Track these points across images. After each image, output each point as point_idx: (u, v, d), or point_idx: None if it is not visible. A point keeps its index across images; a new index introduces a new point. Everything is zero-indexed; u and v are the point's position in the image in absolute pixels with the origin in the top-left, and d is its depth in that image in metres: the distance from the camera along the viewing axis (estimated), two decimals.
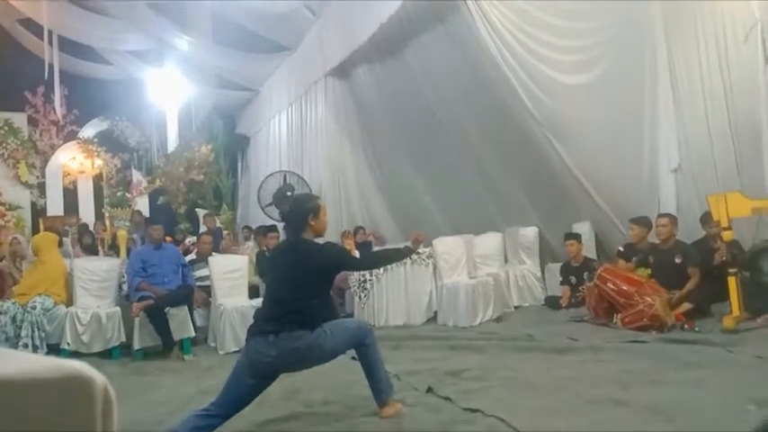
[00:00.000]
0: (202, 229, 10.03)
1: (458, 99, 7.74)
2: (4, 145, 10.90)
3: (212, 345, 5.83)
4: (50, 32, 9.58)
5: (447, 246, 6.59)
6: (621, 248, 6.02)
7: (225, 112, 13.39)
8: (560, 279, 6.73)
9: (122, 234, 8.61)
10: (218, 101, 12.67)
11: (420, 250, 6.57)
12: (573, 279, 6.52)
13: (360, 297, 6.63)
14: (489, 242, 7.39)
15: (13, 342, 5.31)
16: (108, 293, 5.87)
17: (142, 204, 11.82)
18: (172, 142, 12.21)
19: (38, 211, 10.86)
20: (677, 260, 5.37)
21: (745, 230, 5.21)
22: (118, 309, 5.66)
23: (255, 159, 12.87)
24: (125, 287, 5.96)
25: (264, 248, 6.84)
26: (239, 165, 13.71)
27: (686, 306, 5.14)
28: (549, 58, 6.31)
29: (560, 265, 6.92)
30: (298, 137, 10.64)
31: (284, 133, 11.26)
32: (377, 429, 2.90)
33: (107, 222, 10.70)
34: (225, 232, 9.73)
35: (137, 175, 12.37)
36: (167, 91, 11.33)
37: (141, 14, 9.48)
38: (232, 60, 10.81)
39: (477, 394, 3.36)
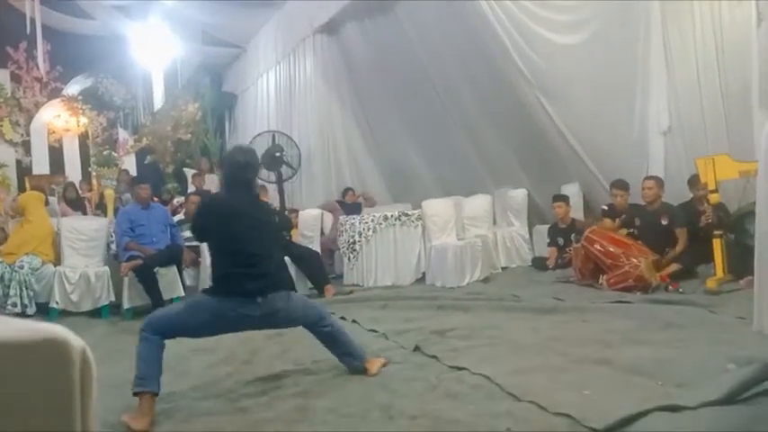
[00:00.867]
0: (191, 189, 9.96)
1: (449, 58, 7.64)
2: None
3: None
4: None
5: (436, 207, 6.60)
6: (606, 207, 6.08)
7: (212, 70, 13.15)
8: (548, 240, 6.79)
9: (109, 193, 8.55)
10: (205, 58, 12.42)
11: (409, 212, 6.62)
12: (560, 240, 6.58)
13: (349, 258, 6.67)
14: (478, 204, 7.41)
15: (2, 301, 5.32)
16: (96, 253, 5.86)
17: (129, 164, 11.68)
18: (158, 100, 12.00)
19: (23, 170, 10.71)
20: (663, 222, 5.42)
21: (731, 193, 5.25)
22: (106, 268, 5.66)
23: (243, 119, 12.71)
24: (113, 247, 5.95)
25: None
26: (227, 124, 13.54)
27: (672, 267, 5.21)
28: (542, 17, 6.23)
29: (548, 226, 6.97)
30: (286, 96, 10.49)
31: (272, 92, 11.10)
32: (366, 386, 2.95)
33: (94, 182, 10.60)
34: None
35: (123, 134, 12.18)
36: (152, 47, 11.07)
37: None
38: (218, 15, 10.55)
39: (464, 353, 3.41)
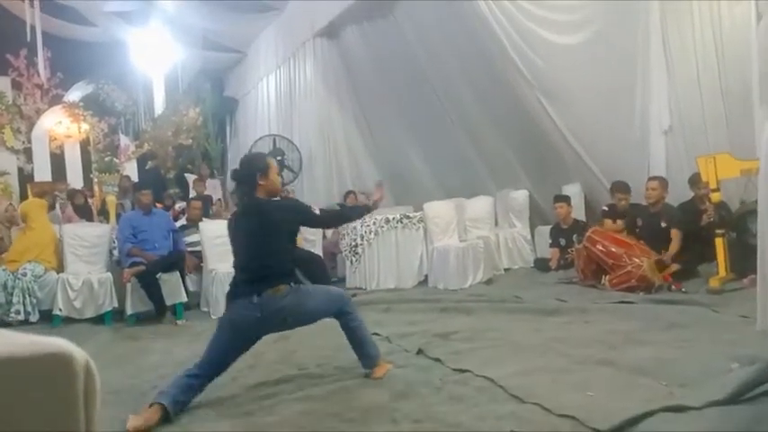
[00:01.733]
0: (192, 194, 9.96)
1: (449, 61, 7.65)
2: None
3: (205, 310, 5.86)
4: None
5: (438, 209, 6.61)
6: (606, 208, 6.08)
7: (212, 75, 13.17)
8: (550, 241, 6.78)
9: (111, 199, 8.56)
10: (206, 63, 12.44)
11: (411, 214, 6.62)
12: (562, 241, 6.57)
13: (351, 261, 6.67)
14: (480, 205, 7.41)
15: (5, 309, 5.33)
16: (99, 259, 5.86)
17: (131, 169, 11.69)
18: (159, 106, 12.02)
19: (25, 177, 10.72)
20: (663, 224, 5.42)
21: (733, 192, 5.25)
22: (109, 274, 5.66)
23: (244, 123, 12.73)
24: (116, 253, 5.95)
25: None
26: (228, 129, 13.56)
27: (674, 267, 5.20)
28: (541, 18, 6.23)
29: (550, 227, 6.96)
30: (287, 100, 10.51)
31: (273, 96, 11.12)
32: (369, 390, 2.94)
33: (96, 188, 10.61)
34: (215, 198, 9.69)
35: (124, 140, 12.19)
36: (153, 53, 11.09)
37: None
38: (218, 20, 10.57)
39: (467, 355, 3.41)
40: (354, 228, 6.70)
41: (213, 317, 5.55)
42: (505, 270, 7.05)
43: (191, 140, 11.91)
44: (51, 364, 0.57)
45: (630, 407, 2.30)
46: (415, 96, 8.48)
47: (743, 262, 4.54)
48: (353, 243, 6.62)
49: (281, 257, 3.03)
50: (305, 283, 3.16)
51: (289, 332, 3.28)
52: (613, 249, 5.27)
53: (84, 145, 11.29)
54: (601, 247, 5.35)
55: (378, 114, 9.37)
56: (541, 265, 6.77)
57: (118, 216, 7.70)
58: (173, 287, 5.57)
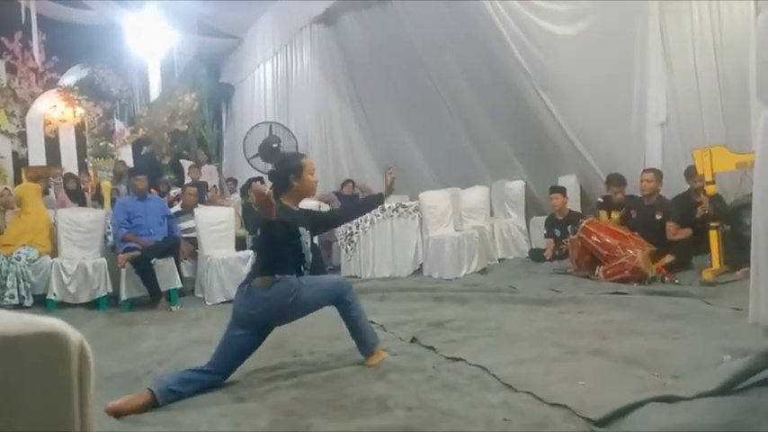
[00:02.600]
0: (188, 180, 9.93)
1: (446, 49, 7.62)
2: None
3: (199, 296, 5.86)
4: None
5: (433, 199, 6.61)
6: (601, 199, 6.10)
7: (208, 60, 13.09)
8: (545, 232, 6.79)
9: (106, 185, 8.53)
10: (202, 48, 12.36)
11: (407, 203, 6.62)
12: (557, 232, 6.59)
13: (347, 250, 6.67)
14: (475, 195, 7.41)
15: None
16: (93, 244, 5.85)
17: (125, 155, 11.64)
18: (154, 91, 11.96)
19: (19, 161, 10.67)
20: (657, 216, 5.44)
21: (728, 185, 5.26)
22: (104, 260, 5.66)
23: (240, 109, 12.67)
24: (110, 238, 5.94)
25: (251, 201, 6.80)
26: (224, 115, 13.50)
27: (668, 258, 5.22)
28: (540, 8, 6.22)
29: (545, 218, 6.98)
30: (283, 86, 10.46)
31: (269, 83, 11.06)
32: (363, 377, 2.96)
33: (90, 173, 10.56)
34: (210, 185, 9.66)
35: (119, 125, 12.13)
36: (149, 37, 11.02)
37: None
38: (214, 4, 10.49)
39: (461, 344, 3.42)
40: None
41: (208, 303, 5.56)
42: (500, 260, 7.06)
43: (186, 126, 11.86)
44: (45, 344, 0.57)
45: (622, 397, 2.32)
46: (411, 85, 8.45)
47: (736, 254, 4.56)
48: (349, 231, 6.62)
49: (270, 252, 3.04)
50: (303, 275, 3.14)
51: None
52: (608, 240, 5.29)
53: (79, 129, 11.23)
54: (595, 238, 5.36)
55: (374, 102, 9.34)
56: (536, 255, 6.78)
57: (113, 201, 7.68)
58: (167, 273, 5.56)
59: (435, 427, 2.29)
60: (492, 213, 7.77)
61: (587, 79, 6.20)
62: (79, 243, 5.80)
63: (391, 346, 3.51)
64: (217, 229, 6.09)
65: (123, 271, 5.44)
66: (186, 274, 6.08)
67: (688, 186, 5.55)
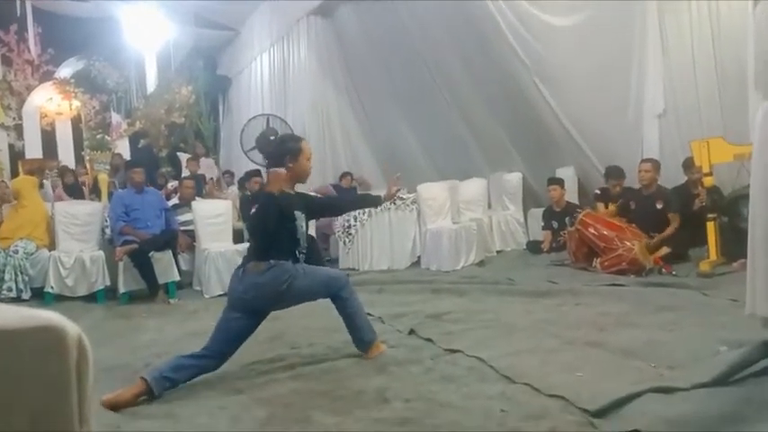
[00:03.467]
0: (185, 173, 9.91)
1: (444, 41, 7.59)
2: None
3: (197, 289, 5.87)
4: None
5: (431, 191, 6.61)
6: (598, 191, 6.11)
7: (205, 53, 13.03)
8: (542, 224, 6.80)
9: (103, 178, 8.51)
10: (198, 40, 12.30)
11: (404, 195, 6.61)
12: (555, 224, 6.59)
13: (345, 242, 6.67)
14: (473, 188, 7.41)
15: None
16: (91, 237, 5.84)
17: (122, 148, 11.60)
18: (151, 83, 11.90)
19: (16, 154, 10.63)
20: (658, 206, 5.44)
21: (725, 176, 5.27)
22: (101, 253, 5.65)
23: (237, 102, 12.63)
24: (108, 231, 5.93)
25: (249, 193, 6.80)
26: (221, 107, 13.45)
27: (665, 250, 5.24)
28: None
29: (543, 210, 6.98)
30: (280, 78, 10.42)
31: (266, 75, 11.02)
32: (361, 369, 2.96)
33: (87, 166, 10.52)
34: (208, 177, 9.64)
35: (116, 118, 12.08)
36: (145, 30, 10.95)
37: None
38: None
39: (459, 336, 3.43)
40: None
41: (206, 296, 5.57)
42: (498, 252, 7.07)
43: (183, 119, 11.82)
44: (43, 338, 0.57)
45: (619, 388, 2.33)
46: (409, 77, 8.42)
47: (733, 246, 4.57)
48: (347, 224, 6.62)
49: (264, 237, 3.01)
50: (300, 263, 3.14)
51: (280, 312, 3.27)
52: (605, 232, 5.30)
53: (76, 122, 11.18)
54: (593, 230, 5.37)
55: (372, 94, 9.32)
56: (534, 247, 6.79)
57: (110, 194, 7.66)
58: (165, 266, 5.56)
59: (433, 418, 2.30)
60: (490, 205, 7.77)
61: (585, 70, 6.19)
62: (77, 236, 5.79)
63: (389, 338, 3.51)
64: (214, 222, 6.08)
65: (121, 264, 5.43)
66: (184, 266, 6.08)
67: (686, 178, 5.55)
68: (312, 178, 9.18)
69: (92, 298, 5.51)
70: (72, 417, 0.58)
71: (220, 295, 5.38)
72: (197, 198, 6.84)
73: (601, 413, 2.18)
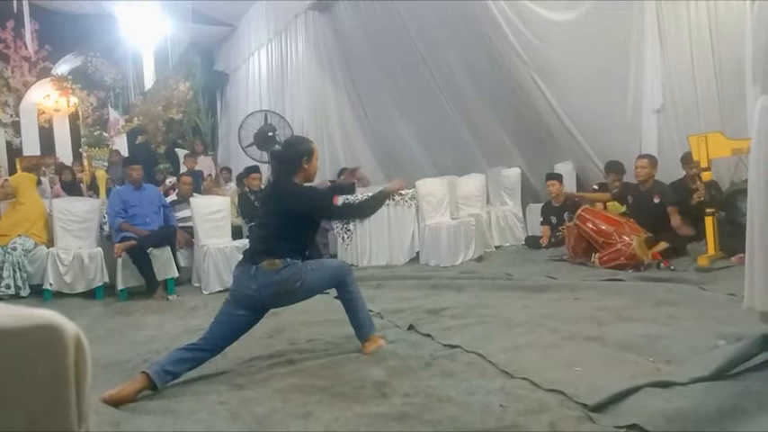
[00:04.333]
0: (183, 169, 9.89)
1: (442, 36, 7.57)
2: None
3: (196, 285, 5.87)
4: None
5: (430, 187, 6.61)
6: (596, 186, 6.11)
7: (202, 48, 12.99)
8: (541, 219, 6.81)
9: (101, 174, 8.49)
10: (195, 36, 12.25)
11: (403, 192, 6.60)
12: (553, 219, 6.60)
13: (343, 238, 6.67)
14: (472, 183, 7.41)
15: None
16: (89, 234, 5.83)
17: (120, 144, 11.58)
18: (149, 80, 11.86)
19: (13, 151, 10.61)
20: (655, 200, 5.44)
21: (724, 171, 5.27)
22: (100, 249, 5.65)
23: (235, 98, 12.60)
24: (106, 228, 5.93)
25: (247, 189, 6.79)
26: (219, 103, 13.42)
27: (663, 245, 5.24)
28: None
29: (541, 205, 6.98)
30: (278, 75, 10.39)
31: (264, 71, 10.99)
32: (360, 364, 2.97)
33: (85, 162, 10.51)
34: (206, 174, 9.63)
35: (114, 114, 12.05)
36: (142, 26, 10.91)
37: None
38: None
39: (457, 331, 3.44)
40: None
41: (205, 292, 5.57)
42: (496, 247, 7.08)
43: (181, 115, 11.79)
44: (41, 337, 0.57)
45: (617, 382, 2.34)
46: (407, 72, 8.40)
47: (732, 241, 4.58)
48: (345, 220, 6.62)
49: (285, 236, 3.06)
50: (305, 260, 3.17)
51: (279, 308, 3.29)
52: (603, 227, 5.30)
53: (73, 119, 11.16)
54: (591, 225, 5.38)
55: (370, 90, 9.29)
56: (532, 242, 6.80)
57: (108, 191, 7.65)
58: (164, 262, 5.56)
59: (432, 413, 2.31)
60: (488, 201, 7.77)
61: (583, 66, 6.18)
62: (75, 233, 5.79)
63: (388, 333, 3.52)
64: (213, 219, 6.08)
65: (120, 260, 5.43)
66: (183, 263, 6.07)
67: (684, 173, 5.55)
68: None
69: (90, 295, 5.51)
70: (70, 415, 0.58)
71: (219, 291, 5.40)
72: (195, 194, 6.83)
73: (599, 408, 2.18)
